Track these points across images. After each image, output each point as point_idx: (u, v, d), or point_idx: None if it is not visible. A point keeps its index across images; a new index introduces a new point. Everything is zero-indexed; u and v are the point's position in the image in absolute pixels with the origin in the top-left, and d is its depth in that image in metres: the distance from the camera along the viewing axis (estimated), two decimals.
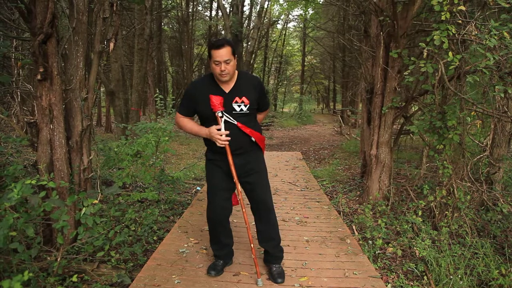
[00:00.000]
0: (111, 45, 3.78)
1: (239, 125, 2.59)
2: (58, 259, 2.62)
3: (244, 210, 2.78)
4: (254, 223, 2.98)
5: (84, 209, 2.54)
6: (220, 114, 2.55)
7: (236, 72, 2.65)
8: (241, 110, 2.60)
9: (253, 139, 2.67)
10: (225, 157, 2.64)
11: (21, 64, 3.72)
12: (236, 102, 2.59)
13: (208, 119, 2.63)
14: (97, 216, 2.68)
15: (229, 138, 2.57)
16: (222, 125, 2.55)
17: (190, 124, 2.74)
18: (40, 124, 3.15)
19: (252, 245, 2.76)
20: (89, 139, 3.59)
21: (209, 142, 2.71)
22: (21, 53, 5.50)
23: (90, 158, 3.55)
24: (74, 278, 2.05)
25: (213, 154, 2.75)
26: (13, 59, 5.35)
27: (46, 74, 3.04)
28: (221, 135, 2.54)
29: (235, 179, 2.66)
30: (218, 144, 2.56)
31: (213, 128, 2.56)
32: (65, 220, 2.45)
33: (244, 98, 2.60)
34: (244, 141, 2.65)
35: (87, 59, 3.52)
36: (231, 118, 2.58)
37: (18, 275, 1.57)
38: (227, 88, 2.61)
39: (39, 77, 3.00)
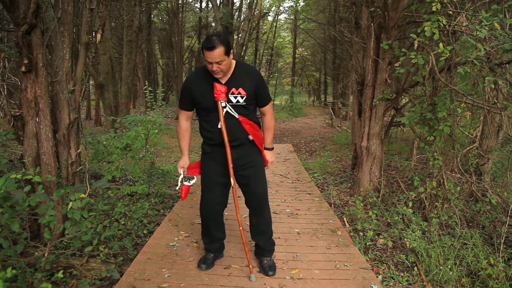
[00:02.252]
0: (98, 36, 3.70)
1: (240, 119, 2.55)
2: (46, 254, 2.58)
3: (237, 210, 2.72)
4: (246, 215, 2.95)
5: (71, 203, 2.50)
6: (223, 104, 2.50)
7: (234, 62, 2.57)
8: (238, 102, 2.52)
9: (250, 137, 2.62)
10: (221, 149, 2.59)
11: (5, 56, 3.62)
12: (233, 93, 2.51)
13: (207, 110, 2.57)
14: (85, 210, 2.64)
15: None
16: (221, 117, 2.49)
17: (182, 133, 2.78)
18: (25, 117, 3.09)
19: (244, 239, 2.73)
20: (77, 132, 3.52)
21: (205, 134, 2.66)
22: (7, 45, 5.37)
23: (78, 151, 3.49)
24: (60, 274, 2.01)
25: (209, 147, 2.69)
26: None
27: (31, 65, 2.97)
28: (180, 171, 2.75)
29: (231, 172, 2.61)
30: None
31: (181, 163, 2.76)
32: (52, 215, 2.40)
33: (240, 89, 2.52)
34: (242, 134, 2.60)
35: (73, 50, 3.45)
36: (233, 111, 2.53)
37: (1, 272, 1.53)
38: (223, 79, 2.53)
39: (23, 69, 2.93)
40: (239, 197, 2.77)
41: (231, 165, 2.59)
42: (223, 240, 3.02)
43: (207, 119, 2.61)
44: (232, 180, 2.63)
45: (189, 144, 2.84)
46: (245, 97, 2.53)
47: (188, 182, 2.74)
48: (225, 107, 2.51)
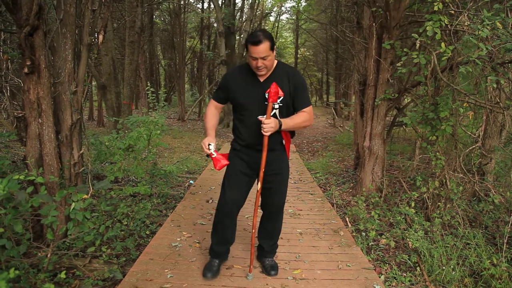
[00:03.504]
0: (100, 37, 3.71)
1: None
2: (49, 255, 2.59)
3: (255, 214, 2.66)
4: (249, 215, 2.93)
5: (73, 204, 2.51)
6: (276, 106, 2.45)
7: (275, 61, 2.51)
8: None
9: (283, 141, 2.59)
10: (250, 150, 2.58)
11: (8, 57, 3.64)
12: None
13: (242, 108, 2.52)
14: (87, 211, 2.64)
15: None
16: (270, 118, 2.36)
17: (210, 117, 2.66)
18: (28, 118, 3.10)
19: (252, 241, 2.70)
20: (80, 133, 3.53)
21: (236, 133, 2.63)
22: (9, 46, 5.40)
23: (81, 152, 3.50)
24: (62, 275, 2.02)
25: (239, 145, 2.64)
26: (1, 52, 5.24)
27: (34, 67, 2.98)
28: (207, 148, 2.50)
29: (261, 176, 2.52)
30: (263, 132, 2.35)
31: (207, 141, 2.50)
32: (55, 216, 2.41)
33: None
34: (277, 138, 2.54)
35: (76, 51, 3.46)
36: (278, 116, 2.46)
37: (4, 272, 1.54)
38: (262, 78, 2.48)
39: (26, 70, 2.94)
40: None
41: (263, 170, 2.51)
42: (231, 244, 2.91)
43: (241, 117, 2.56)
44: (259, 185, 2.57)
45: (215, 128, 2.69)
46: (281, 97, 2.44)
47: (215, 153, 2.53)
48: (277, 109, 2.46)
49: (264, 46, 2.28)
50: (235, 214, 2.76)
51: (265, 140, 2.41)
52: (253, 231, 2.68)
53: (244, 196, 2.72)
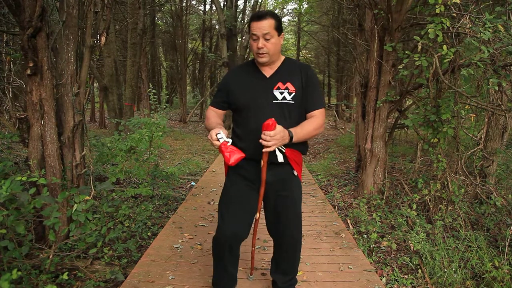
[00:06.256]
0: (103, 39, 3.72)
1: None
2: (50, 256, 2.60)
3: (254, 241, 2.41)
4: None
5: (75, 205, 2.51)
6: (281, 150, 2.02)
7: (282, 57, 2.16)
8: (284, 98, 2.04)
9: (281, 156, 2.01)
10: (253, 166, 2.10)
11: (10, 59, 3.66)
12: (279, 88, 2.05)
13: (241, 109, 2.11)
14: (89, 212, 2.65)
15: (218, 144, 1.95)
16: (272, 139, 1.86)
17: (212, 119, 2.19)
18: (31, 119, 3.11)
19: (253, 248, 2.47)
20: (82, 135, 3.54)
21: (236, 141, 2.11)
22: (12, 48, 5.42)
23: (83, 154, 3.51)
24: (65, 276, 2.02)
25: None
26: (3, 54, 5.27)
27: (36, 68, 2.99)
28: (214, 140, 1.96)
29: (260, 199, 2.14)
30: (264, 143, 1.86)
31: (214, 131, 1.97)
32: (57, 217, 2.42)
33: (288, 84, 2.06)
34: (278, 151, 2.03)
35: (78, 53, 3.47)
36: (288, 117, 2.06)
37: (7, 273, 1.55)
38: (268, 73, 2.10)
39: (28, 71, 2.95)
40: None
41: (263, 187, 2.09)
42: (236, 275, 2.44)
43: (242, 121, 2.12)
44: (258, 214, 2.19)
45: (221, 125, 2.17)
46: (293, 93, 2.05)
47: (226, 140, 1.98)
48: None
49: (268, 22, 1.94)
50: (236, 246, 2.23)
51: (265, 157, 2.00)
52: (258, 214, 2.21)
53: (247, 228, 2.19)
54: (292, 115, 2.07)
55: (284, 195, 2.16)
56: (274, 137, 1.83)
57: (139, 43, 10.02)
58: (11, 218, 2.22)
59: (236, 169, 2.13)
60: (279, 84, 2.06)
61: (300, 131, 1.99)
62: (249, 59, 2.21)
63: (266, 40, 1.96)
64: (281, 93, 2.04)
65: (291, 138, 1.93)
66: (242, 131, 2.10)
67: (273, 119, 1.85)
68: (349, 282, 2.79)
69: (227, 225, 2.13)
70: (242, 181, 2.16)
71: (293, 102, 2.05)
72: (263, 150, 1.90)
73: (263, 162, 2.00)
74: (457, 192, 3.89)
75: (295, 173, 2.18)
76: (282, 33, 2.02)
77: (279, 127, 1.85)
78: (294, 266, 2.40)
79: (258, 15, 1.94)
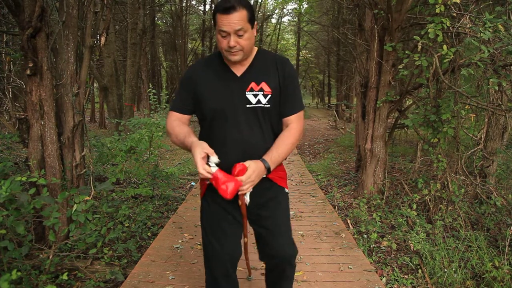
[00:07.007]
0: (102, 39, 3.72)
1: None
2: (50, 257, 2.60)
3: (247, 257, 2.10)
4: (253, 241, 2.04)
5: (75, 205, 2.51)
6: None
7: (255, 49, 1.77)
8: (259, 102, 1.69)
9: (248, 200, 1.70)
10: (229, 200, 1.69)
11: (10, 59, 3.66)
12: (252, 90, 1.69)
13: (215, 116, 1.72)
14: (89, 212, 2.65)
15: (210, 176, 1.56)
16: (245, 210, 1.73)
17: (178, 128, 1.75)
18: (30, 120, 3.11)
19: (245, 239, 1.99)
20: (82, 135, 3.54)
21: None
22: (12, 48, 5.42)
23: (83, 154, 3.51)
24: (65, 276, 2.02)
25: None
26: (3, 54, 5.27)
27: (36, 69, 2.99)
28: (206, 171, 1.56)
29: (245, 224, 1.85)
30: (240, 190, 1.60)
31: (201, 154, 1.57)
32: (57, 217, 2.41)
33: (263, 84, 1.70)
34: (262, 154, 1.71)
35: (78, 53, 3.47)
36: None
37: (6, 274, 1.55)
38: (239, 70, 1.72)
39: (28, 72, 2.95)
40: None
41: (246, 219, 1.82)
42: None
43: (212, 131, 1.76)
44: (245, 240, 1.90)
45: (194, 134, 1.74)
46: (269, 95, 1.70)
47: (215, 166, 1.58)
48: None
49: (239, 15, 1.55)
50: (233, 269, 1.88)
51: (243, 209, 1.74)
52: (245, 239, 1.91)
53: (238, 244, 1.86)
54: (268, 121, 1.74)
55: (268, 198, 1.84)
56: (248, 180, 1.58)
57: (139, 43, 10.03)
58: (11, 219, 2.22)
59: (211, 190, 1.73)
60: (253, 85, 1.70)
61: (277, 156, 1.69)
62: (213, 53, 1.83)
63: (239, 36, 1.59)
64: (255, 95, 1.69)
65: (268, 169, 1.66)
66: (213, 143, 1.66)
67: (241, 163, 1.60)
68: (349, 282, 2.79)
69: (216, 247, 1.78)
70: (220, 200, 1.69)
71: (269, 105, 1.70)
72: (239, 193, 1.62)
73: (240, 202, 1.72)
74: (457, 192, 3.89)
75: (286, 190, 1.95)
76: (256, 23, 1.68)
77: (251, 167, 1.59)
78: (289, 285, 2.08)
79: (225, 7, 1.53)
